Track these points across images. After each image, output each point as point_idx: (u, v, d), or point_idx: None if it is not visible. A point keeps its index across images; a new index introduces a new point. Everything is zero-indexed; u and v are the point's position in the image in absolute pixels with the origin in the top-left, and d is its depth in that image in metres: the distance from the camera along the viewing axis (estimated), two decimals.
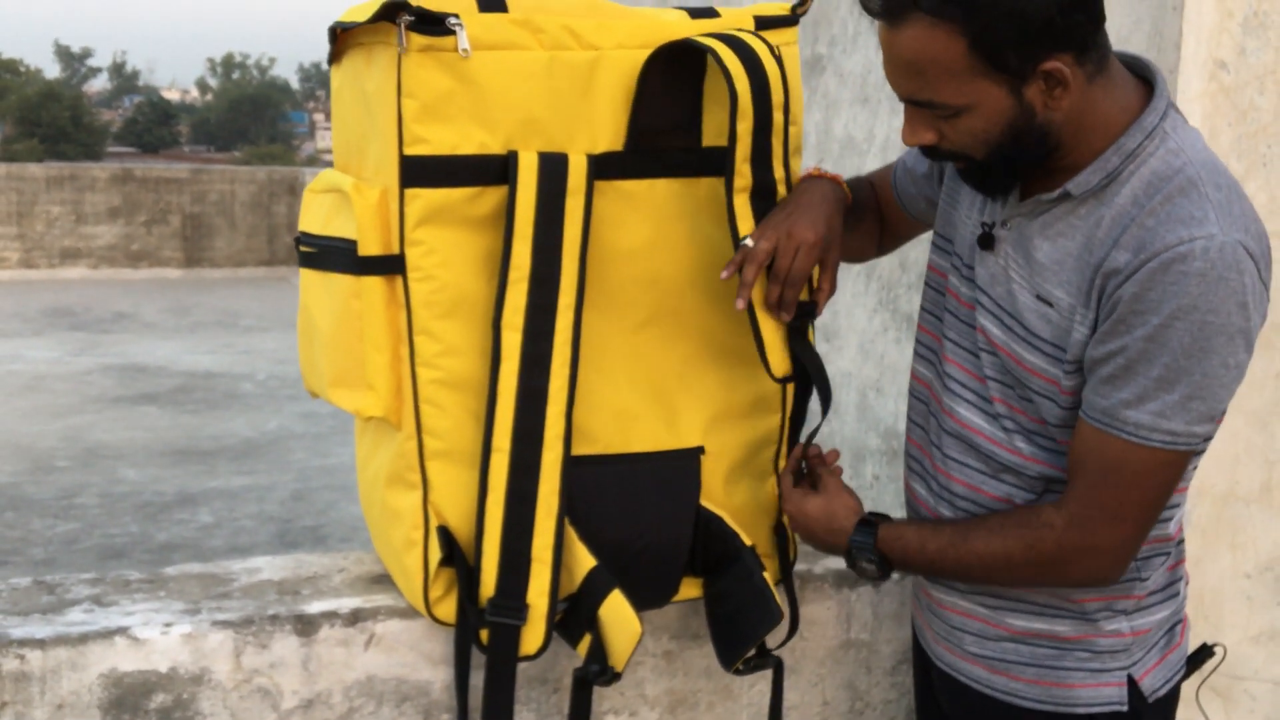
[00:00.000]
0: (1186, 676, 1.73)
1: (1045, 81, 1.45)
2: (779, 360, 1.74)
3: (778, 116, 1.70)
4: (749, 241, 1.68)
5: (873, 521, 1.70)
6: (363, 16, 1.64)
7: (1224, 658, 1.79)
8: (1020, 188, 1.60)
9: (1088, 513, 1.51)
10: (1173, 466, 1.49)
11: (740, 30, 1.73)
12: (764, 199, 1.71)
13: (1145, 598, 1.65)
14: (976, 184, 1.60)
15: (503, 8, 1.65)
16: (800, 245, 1.67)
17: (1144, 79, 1.56)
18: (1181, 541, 1.69)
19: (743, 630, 1.75)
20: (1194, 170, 1.47)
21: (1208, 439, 1.52)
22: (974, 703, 1.71)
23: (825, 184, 1.76)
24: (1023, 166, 1.53)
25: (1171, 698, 1.69)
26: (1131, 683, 1.64)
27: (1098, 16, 1.46)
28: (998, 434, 1.62)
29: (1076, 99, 1.47)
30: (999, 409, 1.62)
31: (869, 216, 1.91)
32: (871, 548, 1.67)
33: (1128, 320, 1.44)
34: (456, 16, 1.61)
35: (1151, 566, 1.64)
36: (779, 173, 1.72)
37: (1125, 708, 1.63)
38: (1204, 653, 1.76)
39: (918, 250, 3.41)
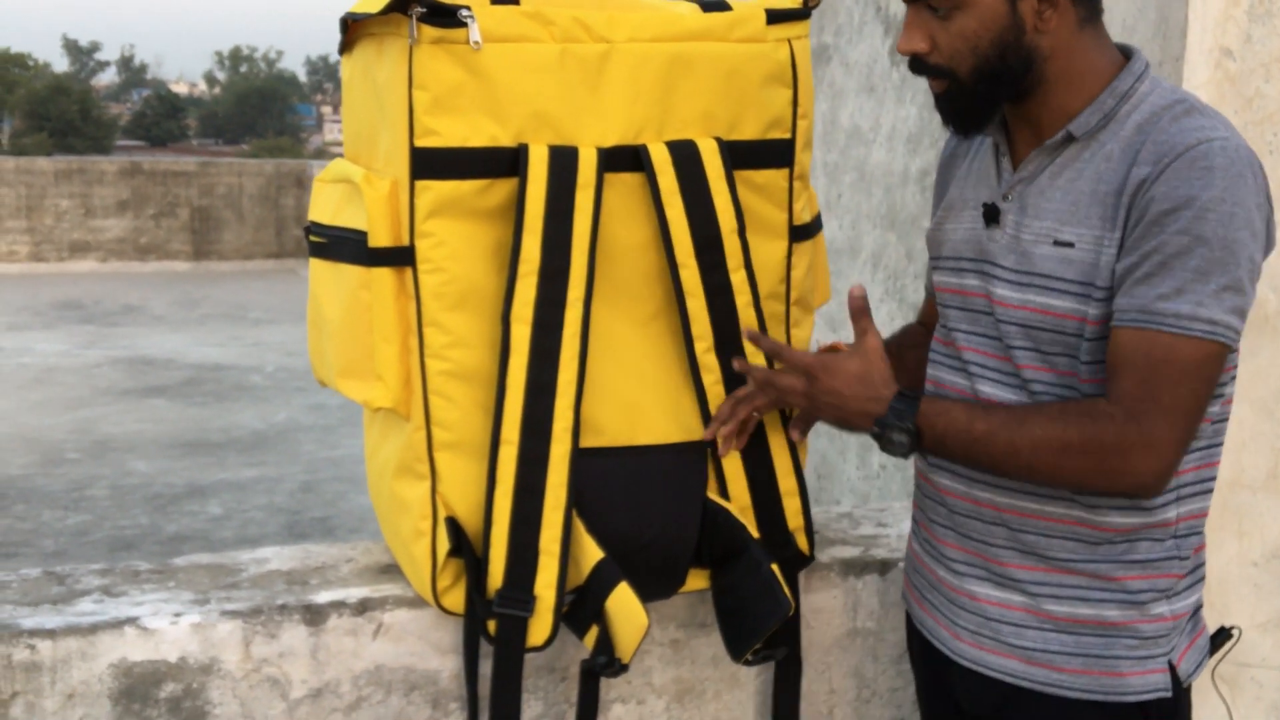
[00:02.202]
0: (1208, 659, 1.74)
1: (1039, 1, 1.53)
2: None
3: (730, 244, 1.72)
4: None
5: (913, 394, 1.61)
6: (374, 7, 1.63)
7: (1239, 638, 1.80)
8: (1012, 157, 1.66)
9: (1143, 406, 1.49)
10: (1215, 361, 1.50)
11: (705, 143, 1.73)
12: (720, 300, 1.74)
13: (1184, 577, 1.65)
14: (956, 113, 1.63)
15: (514, 0, 1.65)
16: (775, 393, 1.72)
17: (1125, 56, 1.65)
18: (1203, 521, 1.70)
19: (752, 622, 1.74)
20: (1192, 100, 1.56)
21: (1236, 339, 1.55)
22: (1007, 697, 1.68)
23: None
24: (1004, 92, 1.58)
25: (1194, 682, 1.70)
26: (1170, 668, 1.64)
27: None
28: (1026, 402, 1.63)
29: (1066, 34, 1.55)
30: (1027, 374, 1.62)
31: (912, 352, 1.93)
32: (911, 417, 1.57)
33: (1160, 221, 1.48)
34: (468, 9, 1.60)
35: (1190, 545, 1.65)
36: (735, 278, 1.74)
37: (1170, 694, 1.63)
38: (1222, 635, 1.77)
39: (924, 241, 3.41)
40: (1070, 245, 1.56)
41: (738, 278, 1.75)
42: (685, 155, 1.70)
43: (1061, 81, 1.58)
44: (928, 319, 1.96)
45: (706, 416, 1.77)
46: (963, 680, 1.74)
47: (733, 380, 1.77)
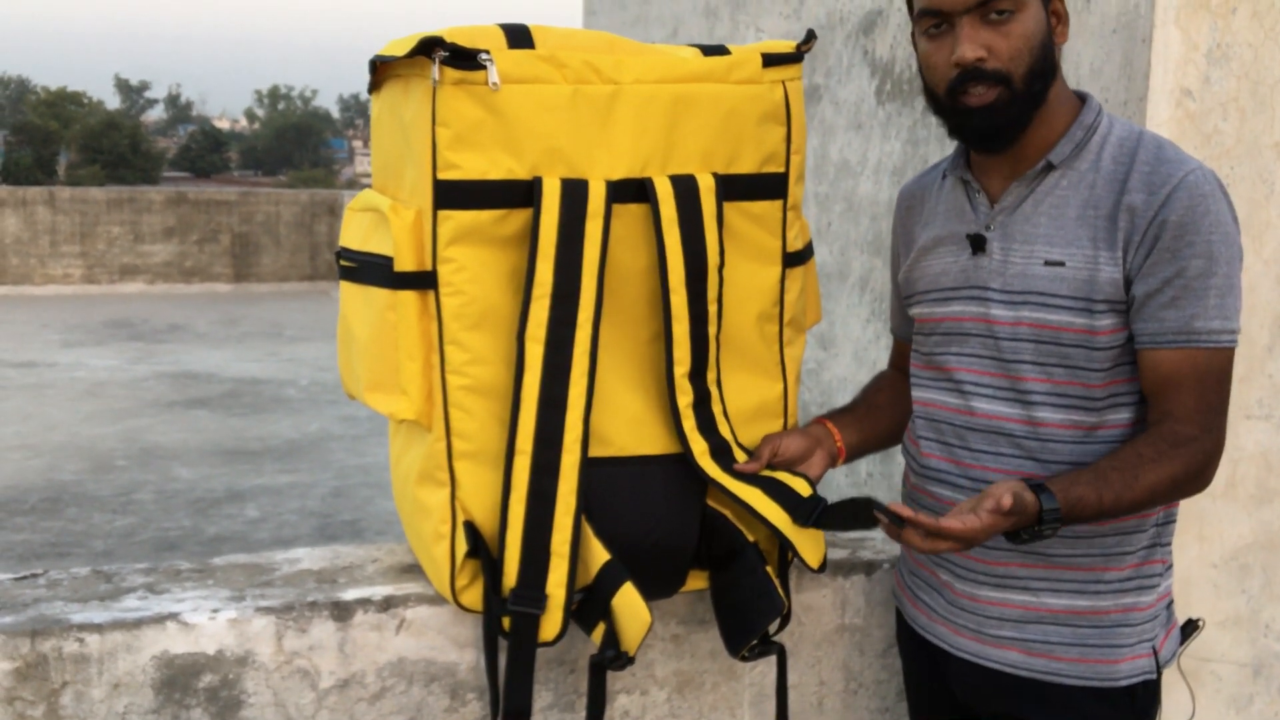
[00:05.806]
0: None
1: (1055, 15, 1.61)
2: (812, 555, 1.77)
3: (712, 278, 1.70)
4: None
5: (1043, 488, 1.52)
6: (401, 51, 1.64)
7: (1203, 628, 1.81)
8: (987, 194, 1.68)
9: (1210, 418, 1.57)
10: (1232, 361, 1.58)
11: (701, 181, 1.71)
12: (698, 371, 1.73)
13: (1165, 563, 1.68)
14: (1004, 122, 1.60)
15: (530, 44, 1.66)
16: None
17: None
18: (1177, 511, 1.73)
19: (748, 620, 1.74)
20: (1149, 132, 1.64)
21: None
22: (1007, 687, 1.69)
23: None
24: (1040, 97, 1.60)
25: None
26: (1154, 653, 1.67)
27: None
28: (1021, 414, 1.64)
29: (1058, 58, 1.61)
30: (1028, 386, 1.63)
31: (882, 394, 1.95)
32: (1060, 516, 1.51)
33: (1175, 248, 1.54)
34: (487, 52, 1.61)
35: (1168, 533, 1.68)
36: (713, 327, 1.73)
37: (1154, 676, 1.66)
38: (1190, 626, 1.79)
39: None
40: (1061, 264, 1.59)
41: (712, 309, 1.73)
42: (686, 190, 1.70)
43: (1044, 116, 1.62)
44: (899, 362, 1.96)
45: (678, 436, 1.74)
46: (960, 672, 1.75)
47: (701, 404, 1.74)
